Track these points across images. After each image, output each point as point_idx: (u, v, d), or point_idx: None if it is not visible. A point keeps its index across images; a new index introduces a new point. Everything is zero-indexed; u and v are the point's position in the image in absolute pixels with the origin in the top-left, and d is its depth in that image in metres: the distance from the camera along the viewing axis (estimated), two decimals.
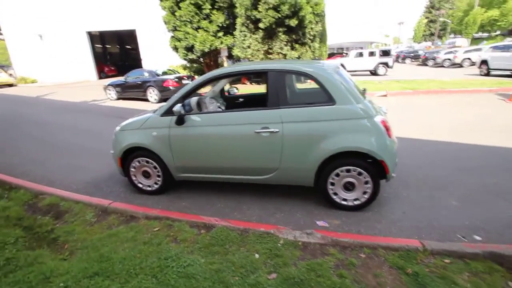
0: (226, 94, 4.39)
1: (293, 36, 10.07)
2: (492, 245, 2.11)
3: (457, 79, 12.22)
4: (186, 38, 12.14)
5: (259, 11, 9.72)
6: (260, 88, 11.71)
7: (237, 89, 4.57)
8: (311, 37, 10.58)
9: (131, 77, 11.51)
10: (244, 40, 10.92)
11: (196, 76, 13.64)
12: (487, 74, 13.61)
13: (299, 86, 3.34)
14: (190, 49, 12.56)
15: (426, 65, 24.44)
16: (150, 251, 2.21)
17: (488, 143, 4.47)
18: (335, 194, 2.77)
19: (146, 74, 11.16)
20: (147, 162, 3.19)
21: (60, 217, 2.86)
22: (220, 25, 11.89)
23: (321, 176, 2.72)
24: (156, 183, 3.28)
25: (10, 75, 22.64)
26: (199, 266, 2.00)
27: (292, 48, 10.45)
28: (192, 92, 2.99)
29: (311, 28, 10.39)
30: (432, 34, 53.56)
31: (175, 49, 13.03)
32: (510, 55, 12.31)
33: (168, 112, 2.98)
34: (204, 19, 11.91)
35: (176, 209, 2.98)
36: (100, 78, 23.59)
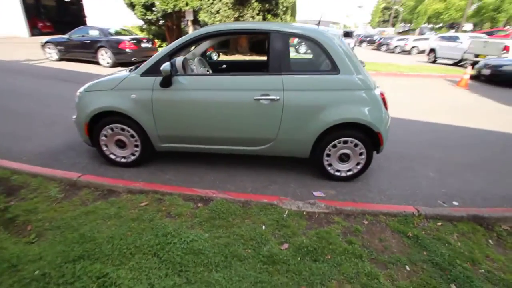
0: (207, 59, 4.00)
1: (266, 6, 9.59)
2: (474, 208, 2.35)
3: (411, 65, 13.21)
4: None
5: None
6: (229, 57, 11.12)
7: (218, 54, 4.19)
8: (284, 9, 10.21)
9: (78, 34, 9.87)
10: (212, 4, 10.05)
11: (156, 40, 12.33)
12: (434, 62, 14.98)
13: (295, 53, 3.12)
14: (149, 7, 11.16)
15: (380, 50, 25.95)
16: (142, 228, 1.94)
17: (448, 122, 4.94)
18: (330, 165, 2.77)
19: (97, 33, 9.67)
20: (123, 129, 2.76)
21: (13, 193, 2.35)
22: None
23: (317, 147, 2.66)
24: (133, 154, 2.89)
25: None
26: (205, 241, 1.82)
27: (264, 18, 9.98)
28: (180, 49, 2.59)
29: None
30: (386, 21, 56.72)
31: (131, 6, 11.44)
32: (455, 46, 13.62)
33: (151, 71, 2.56)
34: None
35: (161, 182, 2.68)
36: (33, 35, 19.93)
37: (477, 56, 11.39)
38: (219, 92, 2.54)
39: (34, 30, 20.59)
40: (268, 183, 2.76)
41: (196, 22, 12.36)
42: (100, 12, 17.46)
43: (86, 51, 9.63)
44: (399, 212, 2.22)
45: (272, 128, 2.60)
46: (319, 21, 2.95)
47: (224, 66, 3.98)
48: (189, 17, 11.05)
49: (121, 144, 2.86)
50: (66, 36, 9.95)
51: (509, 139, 4.26)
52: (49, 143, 3.44)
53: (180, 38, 2.58)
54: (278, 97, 2.48)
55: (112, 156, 2.91)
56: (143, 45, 9.86)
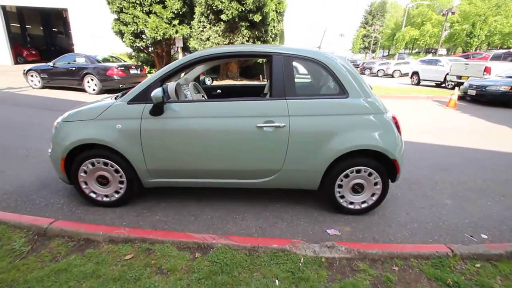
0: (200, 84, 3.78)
1: (256, 33, 9.74)
2: (510, 244, 2.07)
3: (397, 87, 13.58)
4: (135, 22, 10.71)
5: (221, 1, 9.11)
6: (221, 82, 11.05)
7: (211, 79, 3.98)
8: (273, 36, 10.41)
9: (62, 62, 9.62)
10: (203, 31, 10.13)
11: (145, 67, 12.23)
12: (418, 84, 15.53)
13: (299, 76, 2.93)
14: (138, 35, 11.15)
15: (364, 73, 27.01)
16: None
17: (447, 143, 4.83)
18: (342, 197, 2.48)
19: (83, 60, 9.45)
20: (106, 164, 2.41)
21: None
22: (176, 12, 10.82)
23: (328, 177, 2.39)
24: (117, 192, 2.51)
25: None
26: None
27: None
28: (173, 74, 2.34)
29: (274, 26, 10.22)
30: (366, 47, 60.00)
31: (120, 34, 11.41)
32: (437, 68, 14.24)
33: (140, 98, 2.28)
34: (158, 3, 10.69)
35: (149, 224, 2.30)
36: (17, 63, 19.60)
37: (459, 77, 11.82)
38: (217, 119, 2.27)
39: (19, 58, 20.28)
40: (274, 221, 2.42)
41: (186, 49, 12.43)
42: (88, 40, 17.44)
43: (72, 78, 9.35)
44: (432, 253, 1.92)
45: (277, 158, 2.32)
46: (320, 44, 2.81)
47: (219, 91, 3.77)
48: (179, 44, 11.09)
49: (103, 181, 2.48)
50: (50, 63, 9.67)
51: (510, 159, 4.14)
52: (21, 179, 3.01)
53: (173, 62, 2.34)
54: (283, 124, 2.23)
55: (93, 195, 2.52)
56: (132, 71, 9.69)
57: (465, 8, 35.66)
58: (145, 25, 10.61)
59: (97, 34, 16.40)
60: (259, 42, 10.13)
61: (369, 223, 2.44)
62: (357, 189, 2.45)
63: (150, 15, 10.80)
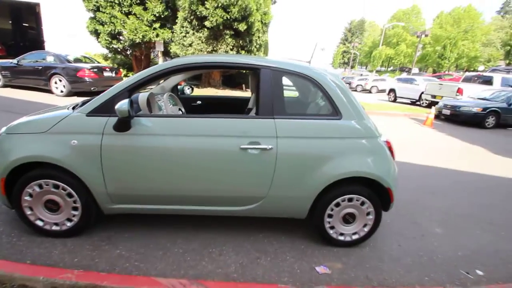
0: (179, 94, 3.45)
1: (240, 42, 9.56)
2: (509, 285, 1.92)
3: (377, 103, 13.97)
4: (112, 22, 10.14)
5: (206, 8, 8.85)
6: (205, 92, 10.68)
7: (191, 88, 3.67)
8: (258, 46, 10.29)
9: (29, 60, 8.84)
10: (185, 36, 9.79)
11: (122, 70, 11.60)
12: (395, 100, 16.13)
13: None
14: (115, 36, 10.56)
15: None
16: None
17: (428, 164, 4.82)
18: (332, 228, 2.24)
19: (51, 59, 8.73)
20: (56, 187, 2.00)
21: None
22: (157, 15, 10.40)
23: (317, 206, 2.15)
24: (69, 220, 2.09)
25: None
26: None
27: (238, 54, 9.92)
28: (144, 83, 2.01)
29: (258, 37, 10.11)
30: (345, 63, 62.38)
31: (96, 33, 10.76)
32: (412, 87, 14.86)
33: (102, 110, 1.92)
34: (138, 4, 10.22)
35: (106, 262, 1.91)
36: None
37: (434, 97, 12.36)
38: (195, 138, 1.96)
39: None
40: (256, 255, 2.12)
41: (167, 53, 11.99)
42: (61, 38, 16.40)
43: (38, 77, 8.58)
44: None
45: (262, 184, 2.04)
46: (311, 59, 2.62)
47: (199, 102, 3.46)
48: (159, 48, 10.64)
49: (53, 207, 2.06)
50: (14, 60, 8.85)
51: (494, 183, 4.17)
52: None
53: (146, 70, 2.01)
54: (270, 146, 1.97)
55: (39, 223, 2.08)
56: (106, 74, 9.08)
57: (436, 32, 38.31)
58: (123, 26, 10.08)
59: (71, 32, 15.46)
60: (243, 52, 9.96)
61: (361, 257, 2.21)
62: (349, 219, 2.22)
63: (129, 16, 10.29)
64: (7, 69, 8.81)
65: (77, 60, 9.18)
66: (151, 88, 3.11)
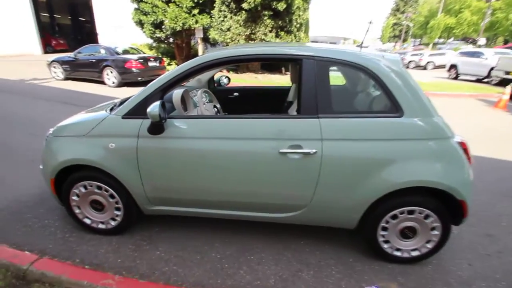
0: (215, 85, 3.32)
1: (279, 22, 9.04)
2: None
3: (433, 82, 12.35)
4: (155, 12, 10.38)
5: None
6: (244, 78, 10.52)
7: (228, 78, 3.51)
8: (298, 25, 9.65)
9: (84, 53, 9.55)
10: (223, 21, 9.60)
11: (165, 59, 11.96)
12: (456, 78, 14.10)
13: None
14: (158, 25, 10.83)
15: None
16: None
17: (502, 156, 4.06)
18: (386, 242, 1.95)
19: (103, 52, 9.31)
20: (99, 188, 2.04)
21: None
22: (196, 0, 10.32)
23: (369, 217, 1.86)
24: (113, 219, 2.15)
25: None
26: None
27: (277, 36, 9.43)
28: (177, 82, 1.88)
29: (299, 15, 9.45)
30: (396, 36, 56.39)
31: (140, 24, 11.16)
32: (479, 62, 12.75)
33: (136, 112, 1.86)
34: None
35: (147, 265, 1.92)
36: (46, 52, 20.18)
37: (508, 73, 10.46)
38: (229, 141, 1.80)
39: (48, 48, 20.90)
40: (298, 267, 1.95)
41: (206, 39, 11.99)
42: (111, 30, 17.50)
43: (92, 70, 9.26)
44: None
45: (303, 192, 1.83)
46: (361, 44, 2.22)
47: (236, 94, 3.29)
48: (199, 35, 10.65)
49: (97, 207, 2.13)
50: (72, 55, 9.65)
51: None
52: (19, 191, 2.75)
53: (178, 67, 1.87)
54: (314, 150, 1.72)
55: (87, 221, 2.18)
56: (151, 64, 9.41)
57: None
58: (164, 15, 10.24)
59: (120, 24, 16.34)
60: (283, 33, 9.43)
61: (422, 277, 1.90)
62: (408, 234, 1.90)
63: (169, 4, 10.40)
64: (66, 63, 9.64)
65: (125, 52, 9.66)
66: (186, 84, 3.01)
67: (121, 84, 8.97)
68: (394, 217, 1.85)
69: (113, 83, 9.01)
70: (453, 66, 14.48)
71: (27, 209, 2.50)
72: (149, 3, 10.36)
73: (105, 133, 1.90)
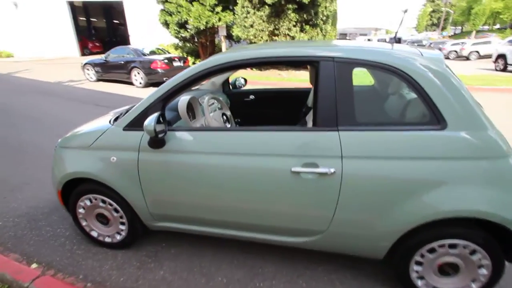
0: (230, 87, 3.14)
1: (304, 16, 8.61)
2: None
3: (477, 75, 11.12)
4: (179, 12, 10.48)
5: None
6: (266, 76, 10.26)
7: (244, 80, 3.30)
8: (324, 18, 9.13)
9: (114, 55, 9.91)
10: (246, 17, 9.39)
11: (189, 58, 12.08)
12: (504, 70, 12.59)
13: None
14: (183, 25, 10.93)
15: None
16: None
17: None
18: (421, 278, 1.63)
19: (131, 53, 9.59)
20: (104, 202, 1.96)
21: None
22: None
23: (400, 248, 1.56)
24: (118, 233, 2.06)
25: None
26: None
27: (302, 30, 9.01)
28: (177, 91, 1.71)
29: (325, 7, 8.93)
30: (434, 24, 52.27)
31: (166, 24, 11.36)
32: None
33: (136, 124, 1.73)
34: None
35: (149, 286, 1.80)
36: (84, 54, 21.52)
37: None
38: (234, 158, 1.59)
39: (85, 50, 22.26)
40: None
41: (229, 37, 11.88)
42: (141, 31, 18.13)
43: (121, 71, 9.59)
44: None
45: (319, 216, 1.58)
46: (395, 37, 1.88)
47: (252, 97, 3.07)
48: (222, 32, 10.56)
49: (103, 220, 2.05)
50: (103, 57, 10.07)
51: None
52: (40, 197, 2.81)
53: (181, 74, 1.70)
54: (332, 170, 1.46)
55: (94, 234, 2.12)
56: (175, 64, 9.51)
57: None
58: (188, 14, 10.29)
59: (150, 25, 16.83)
60: (308, 27, 8.98)
61: None
62: (448, 271, 1.57)
63: (193, 3, 10.42)
64: (98, 65, 10.10)
65: (152, 53, 9.88)
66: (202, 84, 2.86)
67: (148, 85, 9.18)
68: (432, 250, 1.53)
69: (140, 83, 9.25)
70: (500, 56, 12.95)
71: (42, 216, 2.53)
72: (173, 3, 10.47)
73: (106, 146, 1.80)
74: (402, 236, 1.50)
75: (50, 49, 20.10)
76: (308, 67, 2.73)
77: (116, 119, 1.97)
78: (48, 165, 3.39)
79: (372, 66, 1.49)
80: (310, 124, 1.78)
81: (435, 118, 1.40)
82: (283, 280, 1.84)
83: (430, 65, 1.44)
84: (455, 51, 20.96)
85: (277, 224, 1.68)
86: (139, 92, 8.57)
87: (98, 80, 10.32)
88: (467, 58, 19.86)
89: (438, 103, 1.39)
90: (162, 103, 1.70)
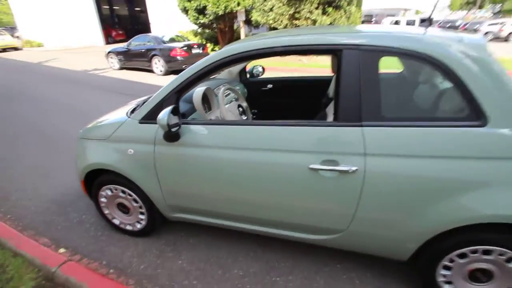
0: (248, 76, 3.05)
1: None
2: None
3: None
4: None
5: None
6: (290, 63, 9.94)
7: (262, 68, 3.19)
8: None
9: (135, 43, 10.05)
10: (265, 1, 9.06)
11: (208, 45, 11.98)
12: None
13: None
14: (201, 11, 10.79)
15: None
16: None
17: None
18: (449, 282, 1.52)
19: (151, 41, 9.67)
20: (124, 192, 2.00)
21: None
22: None
23: (426, 251, 1.46)
24: (139, 222, 2.12)
25: (17, 37, 21.54)
26: None
27: (324, 13, 8.56)
28: (193, 82, 1.66)
29: None
30: (469, 3, 47.82)
31: (185, 11, 11.27)
32: None
33: (152, 116, 1.71)
34: None
35: (167, 275, 1.84)
36: (108, 43, 22.06)
37: None
38: (251, 153, 1.54)
39: (109, 39, 22.79)
40: None
41: (248, 22, 11.59)
42: (161, 19, 18.18)
43: (142, 59, 9.73)
44: None
45: (339, 216, 1.50)
46: (429, 19, 1.68)
47: (269, 86, 2.97)
48: (241, 17, 10.30)
49: (124, 210, 2.11)
50: (125, 45, 10.23)
51: None
52: (67, 184, 2.96)
53: (194, 65, 1.65)
54: (354, 168, 1.36)
55: (116, 221, 2.19)
56: (194, 51, 9.48)
57: None
58: None
59: (170, 12, 16.81)
60: (330, 9, 8.51)
61: None
62: (480, 278, 1.45)
63: None
64: (121, 53, 10.30)
65: (171, 40, 9.89)
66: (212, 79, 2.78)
67: (168, 72, 9.25)
68: (463, 255, 1.41)
69: (161, 71, 9.34)
70: None
71: (70, 203, 2.66)
72: None
73: (124, 138, 1.82)
74: (431, 238, 1.39)
75: (76, 38, 20.80)
76: (331, 61, 2.56)
77: (133, 111, 1.97)
78: (69, 155, 3.55)
79: (402, 54, 1.34)
80: (330, 117, 1.67)
81: (474, 113, 1.25)
82: (300, 276, 1.81)
83: (470, 52, 1.27)
84: (492, 32, 19.12)
85: (295, 221, 1.63)
86: (160, 80, 8.67)
87: (121, 68, 10.55)
88: (506, 40, 18.11)
89: (478, 97, 1.23)
90: (176, 95, 1.66)
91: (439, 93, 1.46)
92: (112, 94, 7.01)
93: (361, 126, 1.36)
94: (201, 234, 2.20)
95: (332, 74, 2.71)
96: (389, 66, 1.83)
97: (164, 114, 1.47)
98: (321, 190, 1.46)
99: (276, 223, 1.69)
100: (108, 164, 1.87)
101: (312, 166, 1.41)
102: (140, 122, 1.76)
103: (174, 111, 1.53)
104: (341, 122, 1.40)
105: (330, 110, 1.92)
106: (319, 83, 2.80)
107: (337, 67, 1.45)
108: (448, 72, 1.27)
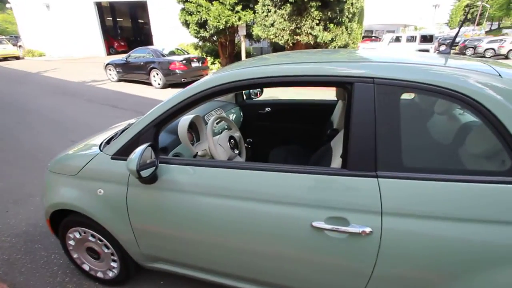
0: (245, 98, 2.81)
1: (328, 13, 8.08)
2: None
3: None
4: (199, 11, 10.29)
5: None
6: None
7: (260, 89, 2.96)
8: (350, 15, 8.53)
9: (134, 56, 9.94)
10: (267, 16, 9.01)
11: (208, 58, 11.90)
12: None
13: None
14: (202, 25, 10.74)
15: (464, 54, 21.59)
16: None
17: None
18: None
19: (150, 54, 9.56)
20: (93, 236, 1.71)
21: None
22: None
23: None
24: (110, 270, 1.81)
25: (20, 46, 21.65)
26: None
27: (325, 29, 8.48)
28: (173, 115, 1.39)
29: (351, 4, 8.33)
30: (468, 20, 48.82)
31: (186, 24, 11.23)
32: None
33: (125, 152, 1.44)
34: None
35: None
36: (110, 54, 22.14)
37: None
38: (241, 203, 1.26)
39: (111, 49, 22.90)
40: None
41: (249, 36, 11.55)
42: (164, 31, 18.29)
43: (141, 72, 9.61)
44: None
45: (348, 282, 1.21)
46: (452, 44, 1.45)
47: (268, 109, 2.72)
48: (242, 32, 10.25)
49: (94, 255, 1.81)
50: (124, 57, 10.13)
51: None
52: (40, 213, 2.66)
53: (176, 95, 1.39)
54: (368, 229, 1.08)
55: (86, 267, 1.89)
56: (193, 64, 9.34)
57: None
58: (208, 13, 10.08)
59: (173, 25, 16.92)
60: (332, 25, 8.43)
61: None
62: None
63: (213, 2, 10.19)
64: (119, 65, 10.18)
65: (171, 53, 9.79)
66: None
67: (166, 86, 9.10)
68: None
69: (159, 84, 9.19)
70: None
71: (40, 236, 2.36)
72: (193, 3, 10.31)
73: (93, 176, 1.54)
74: None
75: (78, 48, 20.85)
76: (336, 92, 2.29)
77: (109, 141, 1.71)
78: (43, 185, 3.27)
79: (427, 91, 1.09)
80: (336, 158, 1.41)
81: None
82: None
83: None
84: (493, 49, 19.26)
85: (295, 285, 1.33)
86: (157, 93, 8.50)
87: (119, 80, 10.41)
88: (506, 57, 18.20)
89: None
90: (155, 129, 1.40)
91: (476, 142, 1.18)
92: (105, 108, 6.79)
93: (377, 177, 1.09)
94: (185, 285, 1.89)
95: (334, 99, 2.48)
96: None
97: (135, 156, 1.21)
98: (325, 252, 1.17)
99: (271, 284, 1.39)
100: (75, 205, 1.58)
101: (316, 224, 1.14)
102: (112, 158, 1.49)
103: (151, 150, 1.26)
104: (352, 171, 1.13)
105: (335, 146, 1.66)
106: (321, 107, 2.56)
107: (347, 101, 1.20)
108: (487, 117, 1.02)
